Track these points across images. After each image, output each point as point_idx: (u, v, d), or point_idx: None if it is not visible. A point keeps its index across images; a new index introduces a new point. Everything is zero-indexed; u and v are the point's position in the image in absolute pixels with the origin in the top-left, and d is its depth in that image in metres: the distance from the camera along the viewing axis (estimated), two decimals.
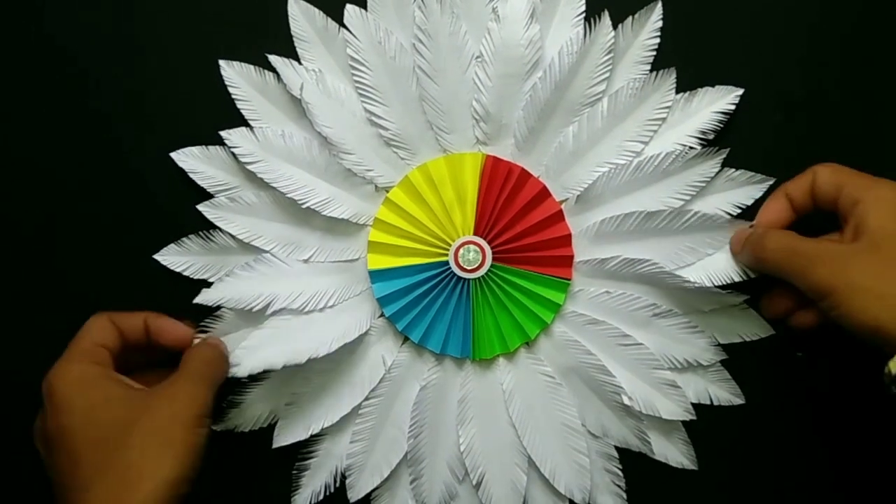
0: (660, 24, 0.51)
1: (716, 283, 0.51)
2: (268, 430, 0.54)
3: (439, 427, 0.55)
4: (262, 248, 0.52)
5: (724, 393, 0.54)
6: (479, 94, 0.51)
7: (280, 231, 0.53)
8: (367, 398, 0.54)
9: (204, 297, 0.52)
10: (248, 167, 0.51)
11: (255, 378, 0.53)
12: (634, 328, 0.53)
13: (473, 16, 0.51)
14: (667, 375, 0.53)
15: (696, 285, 0.51)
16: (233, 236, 0.53)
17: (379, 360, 0.54)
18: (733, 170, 0.52)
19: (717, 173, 0.51)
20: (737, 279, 0.51)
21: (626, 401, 0.53)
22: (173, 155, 0.52)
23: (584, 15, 0.51)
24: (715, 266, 0.52)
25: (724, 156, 0.51)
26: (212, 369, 0.49)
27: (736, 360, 0.54)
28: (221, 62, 0.52)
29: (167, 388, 0.47)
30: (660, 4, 0.51)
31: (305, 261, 0.53)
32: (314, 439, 0.55)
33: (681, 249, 0.52)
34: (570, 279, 0.53)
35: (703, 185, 0.51)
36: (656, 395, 0.53)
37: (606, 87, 0.51)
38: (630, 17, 0.51)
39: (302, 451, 0.55)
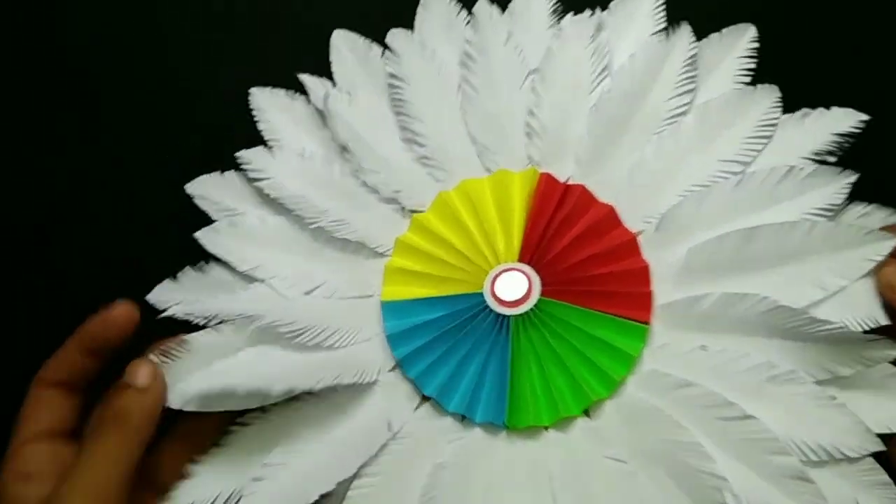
0: (755, 44, 0.43)
1: (861, 328, 0.37)
2: None
3: None
4: (259, 278, 0.42)
5: None
6: (535, 107, 0.43)
7: (282, 260, 0.42)
8: (358, 476, 0.38)
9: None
10: (257, 184, 0.43)
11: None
12: (742, 398, 0.37)
13: (531, 37, 0.44)
14: (792, 464, 0.36)
15: (834, 327, 0.36)
16: (229, 268, 0.43)
17: (382, 425, 0.40)
18: (865, 205, 0.39)
19: (845, 207, 0.39)
20: (883, 322, 0.36)
21: (729, 500, 0.36)
22: (187, 186, 0.45)
23: (664, 27, 0.43)
24: (853, 302, 0.37)
25: (852, 179, 0.39)
26: (134, 423, 0.37)
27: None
28: (253, 90, 0.46)
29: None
30: (753, 27, 0.43)
31: (307, 293, 0.42)
32: None
33: (799, 280, 0.38)
34: (648, 322, 0.39)
35: (826, 216, 0.39)
36: (776, 495, 0.36)
37: (692, 100, 0.42)
38: (717, 34, 0.43)
39: None
